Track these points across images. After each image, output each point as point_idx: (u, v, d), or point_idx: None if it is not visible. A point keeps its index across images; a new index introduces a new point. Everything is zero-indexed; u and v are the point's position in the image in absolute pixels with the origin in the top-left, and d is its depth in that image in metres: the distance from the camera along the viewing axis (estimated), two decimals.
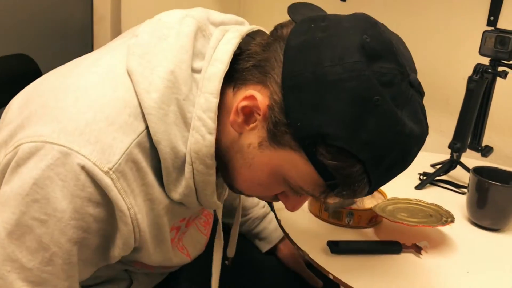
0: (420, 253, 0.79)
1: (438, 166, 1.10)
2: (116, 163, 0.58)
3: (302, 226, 0.85)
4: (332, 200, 0.66)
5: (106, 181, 0.57)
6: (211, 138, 0.61)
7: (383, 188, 0.94)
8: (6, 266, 0.58)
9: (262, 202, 1.05)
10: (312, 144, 0.56)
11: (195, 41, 0.63)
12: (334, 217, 0.85)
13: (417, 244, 0.80)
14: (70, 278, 0.61)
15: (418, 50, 1.47)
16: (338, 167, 0.56)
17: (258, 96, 0.58)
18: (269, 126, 0.58)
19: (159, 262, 0.71)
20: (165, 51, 0.62)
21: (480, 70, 1.02)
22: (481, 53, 1.03)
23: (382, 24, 0.60)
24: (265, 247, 1.02)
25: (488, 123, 1.09)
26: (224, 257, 0.84)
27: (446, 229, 0.87)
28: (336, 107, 0.54)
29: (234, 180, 0.66)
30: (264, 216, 1.03)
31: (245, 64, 0.61)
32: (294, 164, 0.59)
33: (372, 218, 0.86)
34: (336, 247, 0.77)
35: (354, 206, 0.86)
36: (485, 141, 1.11)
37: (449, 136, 1.07)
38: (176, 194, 0.64)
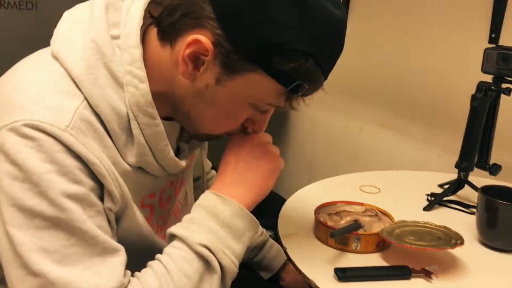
0: (431, 278, 0.77)
1: (446, 187, 1.08)
2: (71, 121, 0.60)
3: (308, 253, 0.83)
4: (295, 104, 0.69)
5: (67, 137, 0.59)
6: (144, 87, 0.64)
7: (390, 210, 0.92)
8: (35, 260, 0.58)
9: (260, 229, 1.03)
10: (267, 58, 0.60)
11: (107, 13, 0.67)
12: (341, 242, 0.83)
13: (426, 268, 0.78)
14: (97, 246, 0.61)
15: (421, 69, 1.47)
16: (296, 68, 0.61)
17: (201, 37, 0.61)
18: (221, 60, 0.62)
19: (144, 244, 0.72)
20: (82, 29, 0.66)
21: (484, 87, 1.01)
22: (484, 70, 1.02)
23: None
24: (266, 275, 1.01)
25: (496, 140, 1.07)
26: None
27: (456, 251, 0.84)
28: (280, 15, 0.59)
29: (199, 125, 0.70)
30: (263, 245, 1.02)
31: (173, 18, 0.64)
32: (255, 84, 0.63)
33: (380, 243, 0.84)
34: (344, 274, 0.75)
35: (361, 231, 0.84)
36: (493, 159, 1.09)
37: (457, 156, 1.05)
38: (132, 157, 0.66)
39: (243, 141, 0.73)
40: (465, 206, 1.03)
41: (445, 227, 0.85)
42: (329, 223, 0.86)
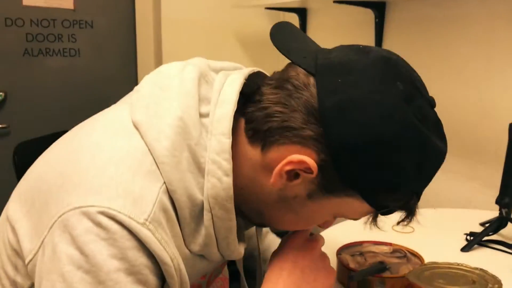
0: None
1: (488, 225, 0.99)
2: (151, 212, 0.56)
3: None
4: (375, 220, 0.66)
5: (145, 232, 0.54)
6: (228, 180, 0.59)
7: (424, 252, 0.84)
8: None
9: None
10: (373, 193, 0.58)
11: (199, 87, 0.62)
12: (363, 286, 0.76)
13: None
14: None
15: (460, 100, 1.39)
16: (398, 203, 0.60)
17: (308, 160, 0.57)
18: (320, 182, 0.59)
19: None
20: (170, 99, 0.60)
21: None
22: None
23: (395, 56, 0.62)
24: None
25: None
26: None
27: None
28: (399, 161, 0.57)
29: (272, 224, 0.68)
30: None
31: (269, 124, 0.59)
32: (349, 204, 0.60)
33: (407, 287, 0.76)
34: None
35: (385, 274, 0.77)
36: None
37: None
38: (196, 246, 0.61)
39: (304, 248, 0.68)
40: (508, 246, 0.93)
41: (481, 269, 0.77)
42: (351, 265, 0.80)
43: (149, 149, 0.58)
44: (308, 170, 0.57)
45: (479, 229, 1.00)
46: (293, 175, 0.59)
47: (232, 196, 0.60)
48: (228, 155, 0.59)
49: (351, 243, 0.88)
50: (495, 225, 0.97)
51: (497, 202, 0.96)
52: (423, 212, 1.14)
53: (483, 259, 0.89)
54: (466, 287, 0.71)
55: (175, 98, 0.60)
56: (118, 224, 0.54)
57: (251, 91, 0.63)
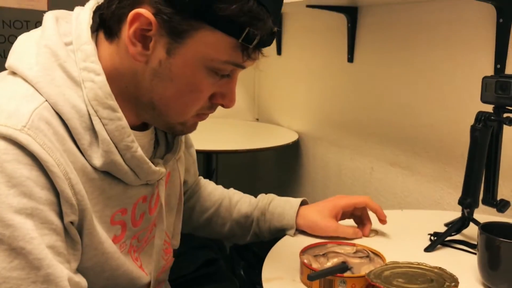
0: None
1: (451, 226, 1.00)
2: (28, 120, 0.58)
3: None
4: (254, 58, 0.66)
5: (24, 136, 0.56)
6: (101, 78, 0.63)
7: (388, 252, 0.85)
8: None
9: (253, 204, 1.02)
10: (208, 8, 0.60)
11: (58, 25, 0.67)
12: (325, 286, 0.77)
13: None
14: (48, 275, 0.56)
15: (427, 104, 1.42)
16: (239, 11, 0.60)
17: (141, 10, 0.61)
18: (166, 28, 0.62)
19: (110, 263, 0.67)
20: (34, 39, 0.66)
21: (482, 118, 0.95)
22: (483, 100, 0.96)
23: None
24: (291, 233, 0.98)
25: (503, 174, 1.00)
26: None
27: None
28: None
29: (167, 111, 0.68)
30: (264, 210, 1.00)
31: (111, 8, 0.65)
32: (205, 41, 0.62)
33: (368, 286, 0.77)
34: None
35: (347, 274, 0.78)
36: (502, 195, 1.01)
37: None
38: (98, 159, 0.63)
39: None
40: (469, 245, 0.95)
41: (440, 268, 0.78)
42: (314, 265, 0.80)
43: (24, 79, 0.62)
44: (149, 24, 0.61)
45: (443, 229, 1.01)
46: (143, 40, 0.63)
47: (110, 93, 0.64)
48: (93, 57, 0.64)
49: (315, 244, 0.89)
50: (457, 225, 0.98)
51: (459, 202, 0.97)
52: (390, 213, 1.16)
53: (445, 258, 0.91)
54: (424, 286, 0.72)
55: (38, 37, 0.66)
56: None
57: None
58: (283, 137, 1.98)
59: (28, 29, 2.08)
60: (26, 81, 0.62)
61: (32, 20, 2.07)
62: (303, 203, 1.01)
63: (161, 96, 0.66)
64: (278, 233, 1.00)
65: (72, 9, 0.72)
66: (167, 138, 0.81)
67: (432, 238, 0.98)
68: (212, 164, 2.09)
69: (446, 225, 1.05)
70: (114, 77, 0.66)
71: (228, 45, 0.63)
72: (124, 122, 0.65)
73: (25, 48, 0.66)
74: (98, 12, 0.69)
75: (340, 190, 1.83)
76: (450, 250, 0.95)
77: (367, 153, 1.69)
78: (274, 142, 1.93)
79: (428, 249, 0.95)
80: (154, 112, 0.68)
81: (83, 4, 0.71)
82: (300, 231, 1.00)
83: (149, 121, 0.71)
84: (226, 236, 1.03)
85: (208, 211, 1.02)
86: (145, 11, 0.61)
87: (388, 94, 1.55)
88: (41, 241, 0.56)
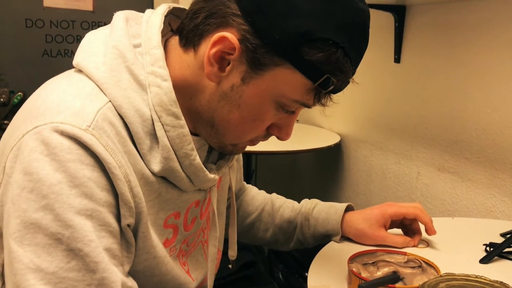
0: None
1: (509, 236, 0.95)
2: (93, 120, 0.57)
3: None
4: (324, 103, 0.66)
5: (88, 136, 0.56)
6: (167, 85, 0.63)
7: (440, 262, 0.81)
8: (29, 280, 0.53)
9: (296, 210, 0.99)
10: (295, 49, 0.59)
11: (128, 26, 0.66)
12: None
13: None
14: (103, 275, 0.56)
15: (479, 107, 1.35)
16: (325, 59, 0.60)
17: (227, 34, 0.60)
18: (247, 57, 0.61)
19: (160, 268, 0.67)
20: (103, 39, 0.65)
21: None
22: None
23: None
24: (337, 238, 0.95)
25: None
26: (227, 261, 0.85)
27: None
28: (305, 4, 0.59)
29: (224, 132, 0.67)
30: (308, 215, 0.97)
31: (195, 21, 0.64)
32: (282, 79, 0.62)
33: None
34: None
35: (399, 284, 0.74)
36: None
37: None
38: (156, 164, 0.62)
39: None
40: None
41: (501, 282, 0.73)
42: (363, 274, 0.77)
43: (89, 78, 0.62)
44: (232, 49, 0.61)
45: (499, 240, 0.95)
46: (221, 61, 0.62)
47: (175, 100, 0.63)
48: (162, 62, 0.63)
49: (364, 251, 0.85)
50: None
51: None
52: (440, 221, 1.10)
53: (504, 271, 0.85)
54: None
55: (106, 36, 0.65)
56: (60, 135, 0.55)
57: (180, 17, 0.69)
58: (324, 139, 1.94)
59: (74, 29, 2.12)
60: (92, 80, 0.62)
61: (77, 20, 2.11)
62: (348, 209, 0.97)
63: (223, 118, 0.66)
64: (322, 240, 0.97)
65: (117, 9, 0.71)
66: None
67: (488, 248, 0.92)
68: (252, 165, 2.07)
69: (502, 235, 0.99)
70: (180, 86, 0.65)
71: (303, 87, 0.63)
72: (186, 130, 0.64)
73: (92, 47, 0.65)
74: (172, 19, 0.69)
75: (384, 195, 1.77)
76: (509, 262, 0.90)
77: (413, 157, 1.63)
78: (315, 144, 1.89)
79: (484, 261, 0.89)
80: (212, 129, 0.67)
81: (129, 5, 0.71)
82: (346, 238, 0.96)
83: (202, 135, 0.69)
84: (269, 242, 1.01)
85: (250, 216, 1.00)
86: (231, 36, 0.60)
87: (437, 96, 1.49)
88: (98, 243, 0.56)
